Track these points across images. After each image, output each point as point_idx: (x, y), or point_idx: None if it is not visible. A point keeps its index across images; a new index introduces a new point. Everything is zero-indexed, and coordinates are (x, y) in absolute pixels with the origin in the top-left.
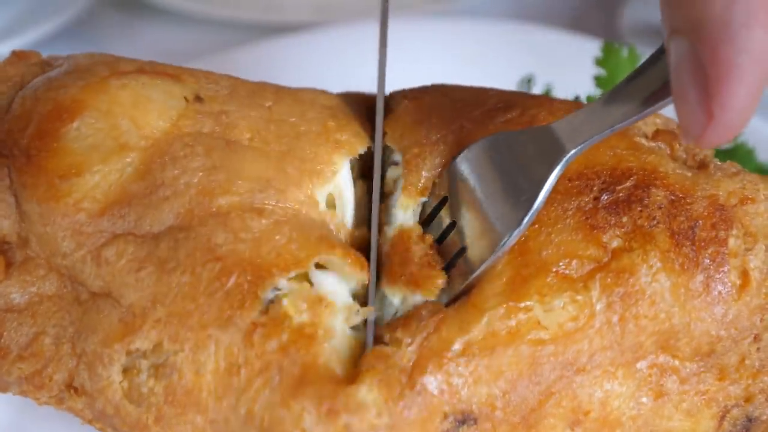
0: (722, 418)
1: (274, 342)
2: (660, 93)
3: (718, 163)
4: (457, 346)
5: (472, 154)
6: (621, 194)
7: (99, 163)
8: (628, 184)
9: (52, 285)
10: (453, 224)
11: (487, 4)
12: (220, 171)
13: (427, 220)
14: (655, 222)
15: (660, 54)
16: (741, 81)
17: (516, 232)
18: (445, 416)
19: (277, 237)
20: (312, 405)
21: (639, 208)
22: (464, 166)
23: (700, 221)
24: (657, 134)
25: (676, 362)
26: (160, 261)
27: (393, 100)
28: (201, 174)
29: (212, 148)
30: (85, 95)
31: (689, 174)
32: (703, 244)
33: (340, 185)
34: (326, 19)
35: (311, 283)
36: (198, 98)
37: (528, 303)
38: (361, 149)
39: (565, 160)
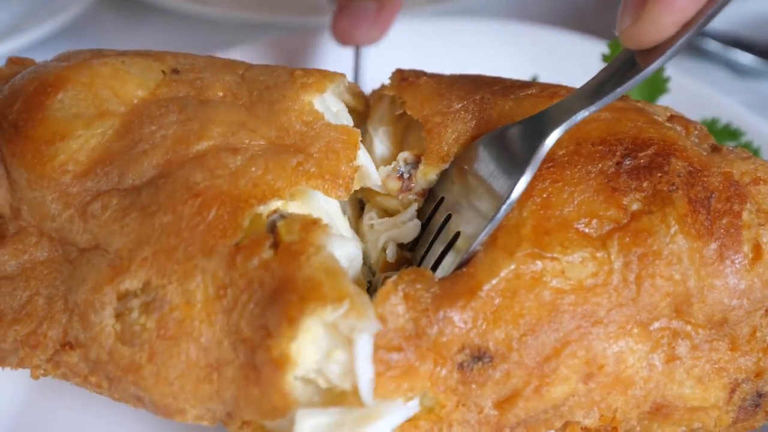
0: (733, 390)
1: (255, 260)
2: (617, 82)
3: (731, 147)
4: (486, 286)
5: (477, 147)
6: (642, 160)
7: (81, 128)
8: (649, 151)
9: (43, 250)
10: (449, 217)
11: (488, 4)
12: (194, 121)
13: (427, 219)
14: (674, 187)
15: (623, 54)
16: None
17: (511, 200)
18: (462, 348)
19: (253, 169)
20: (279, 312)
21: (659, 174)
22: (468, 159)
23: (716, 193)
24: (672, 119)
25: (689, 328)
26: (143, 206)
27: (411, 75)
28: (176, 126)
29: (186, 105)
30: (67, 72)
31: (704, 153)
32: (718, 214)
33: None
34: (326, 19)
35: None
36: (175, 71)
37: (553, 254)
38: (331, 85)
39: (553, 135)
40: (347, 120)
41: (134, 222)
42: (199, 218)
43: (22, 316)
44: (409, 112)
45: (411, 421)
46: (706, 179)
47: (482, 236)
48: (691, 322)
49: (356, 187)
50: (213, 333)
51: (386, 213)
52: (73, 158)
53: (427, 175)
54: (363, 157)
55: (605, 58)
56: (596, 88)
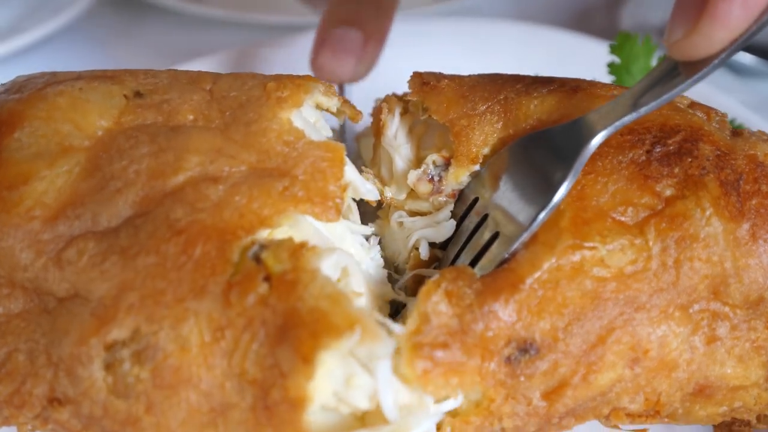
0: None
1: (251, 296)
2: (661, 91)
3: (751, 131)
4: (529, 280)
5: (511, 150)
6: (672, 147)
7: (45, 168)
8: (677, 138)
9: (17, 302)
10: (485, 217)
11: (488, 4)
12: (167, 152)
13: (460, 219)
14: (705, 171)
15: (669, 60)
16: (732, 6)
17: (553, 203)
18: (509, 342)
19: (237, 198)
20: (291, 351)
21: (689, 159)
22: (503, 162)
23: (744, 175)
24: (693, 105)
25: (727, 309)
26: (123, 249)
27: (432, 78)
28: (149, 159)
29: (156, 134)
30: (22, 106)
31: (728, 137)
32: (747, 195)
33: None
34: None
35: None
36: (138, 94)
37: (592, 243)
38: (307, 96)
39: (597, 139)
40: (326, 130)
41: (115, 267)
42: (184, 257)
43: (2, 375)
44: (434, 117)
45: (462, 417)
46: (733, 162)
47: (524, 237)
48: (729, 303)
49: (346, 203)
50: (213, 377)
51: (415, 214)
52: (40, 202)
53: (458, 177)
54: (350, 172)
55: (612, 49)
56: (639, 95)
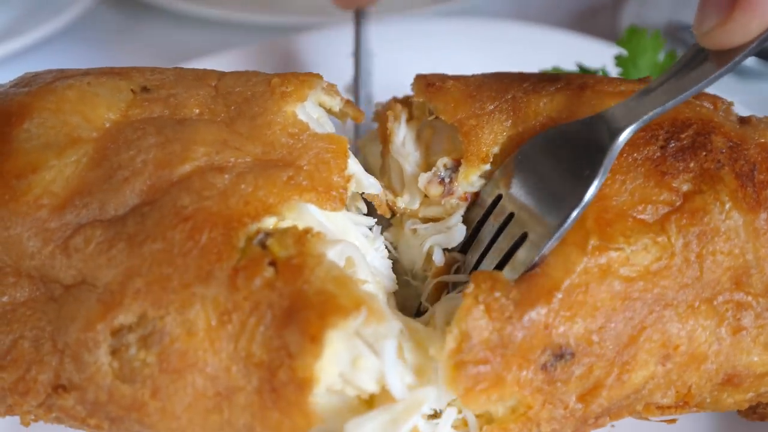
0: None
1: (257, 280)
2: (695, 79)
3: (758, 117)
4: (566, 283)
5: (529, 148)
6: (685, 141)
7: (54, 158)
8: (690, 132)
9: (23, 290)
10: (509, 218)
11: (488, 4)
12: (174, 143)
13: (482, 219)
14: (720, 164)
15: (693, 52)
16: None
17: (585, 201)
18: (544, 349)
19: (243, 186)
20: (299, 331)
21: (704, 153)
22: (522, 161)
23: (757, 165)
24: (700, 96)
25: (750, 298)
26: (130, 236)
27: (436, 79)
28: (155, 149)
29: (163, 126)
30: (31, 99)
31: (736, 125)
32: (762, 185)
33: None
34: (326, 19)
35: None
36: (145, 89)
37: (617, 244)
38: (310, 92)
39: (626, 133)
40: (329, 125)
41: (122, 253)
42: (191, 243)
43: (7, 362)
44: (442, 118)
45: (498, 424)
46: (746, 152)
47: (557, 236)
48: (751, 292)
49: (349, 195)
50: (219, 361)
51: (429, 221)
52: (48, 191)
53: (468, 177)
54: (353, 165)
55: (620, 42)
56: (668, 87)
